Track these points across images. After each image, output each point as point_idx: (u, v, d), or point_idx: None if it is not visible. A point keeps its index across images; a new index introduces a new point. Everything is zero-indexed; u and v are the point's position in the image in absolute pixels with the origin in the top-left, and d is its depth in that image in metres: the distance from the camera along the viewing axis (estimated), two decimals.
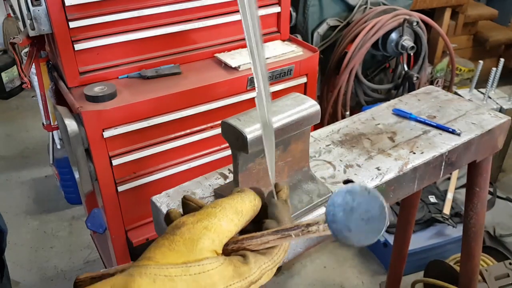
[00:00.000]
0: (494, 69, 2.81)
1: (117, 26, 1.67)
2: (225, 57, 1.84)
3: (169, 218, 0.64)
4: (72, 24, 1.59)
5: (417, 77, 2.71)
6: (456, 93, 2.93)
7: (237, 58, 1.82)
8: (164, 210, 1.02)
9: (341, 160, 1.17)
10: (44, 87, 1.92)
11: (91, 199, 2.14)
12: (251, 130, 0.88)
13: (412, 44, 2.54)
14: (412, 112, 1.35)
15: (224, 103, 1.77)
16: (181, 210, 0.68)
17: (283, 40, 2.00)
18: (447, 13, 3.59)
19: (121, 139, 1.64)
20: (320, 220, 0.56)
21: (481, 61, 2.89)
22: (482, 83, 3.05)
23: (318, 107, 0.96)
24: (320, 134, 1.28)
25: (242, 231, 0.61)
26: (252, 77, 1.77)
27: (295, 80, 1.90)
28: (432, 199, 2.57)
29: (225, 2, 1.82)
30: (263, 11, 1.91)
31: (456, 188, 2.60)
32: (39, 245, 2.79)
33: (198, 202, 0.66)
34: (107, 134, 1.59)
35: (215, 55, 1.86)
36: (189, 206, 0.66)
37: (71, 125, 1.54)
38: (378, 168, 1.14)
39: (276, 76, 1.84)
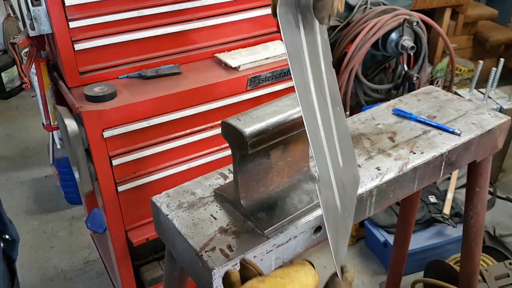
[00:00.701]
0: (494, 69, 2.80)
1: (117, 26, 1.67)
2: (225, 57, 1.84)
3: (229, 278, 0.67)
4: (72, 24, 1.59)
5: (417, 77, 2.71)
6: (456, 93, 2.93)
7: (237, 58, 1.82)
8: (164, 210, 1.03)
9: None
10: (44, 87, 1.92)
11: (91, 199, 2.14)
12: (251, 130, 0.88)
13: (412, 44, 2.54)
14: (412, 112, 1.35)
15: (224, 103, 1.77)
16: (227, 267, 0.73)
17: None
18: (447, 13, 3.59)
19: (121, 139, 1.64)
20: None
21: (481, 61, 2.89)
22: (482, 83, 3.05)
23: None
24: None
25: None
26: (253, 77, 1.78)
27: None
28: (432, 199, 2.57)
29: (225, 2, 1.82)
30: (263, 11, 1.91)
31: (456, 188, 2.60)
32: (39, 245, 2.79)
33: (257, 267, 0.69)
34: (107, 134, 1.59)
35: (215, 55, 1.86)
36: (248, 270, 0.68)
37: (71, 125, 1.54)
38: (378, 168, 1.14)
39: (276, 76, 1.84)
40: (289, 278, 0.64)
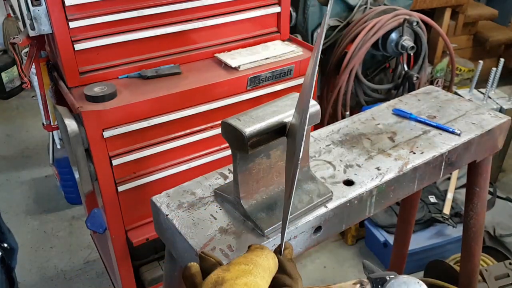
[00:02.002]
0: (494, 69, 2.80)
1: (117, 26, 1.67)
2: (225, 57, 1.84)
3: (189, 271, 0.68)
4: (72, 24, 1.59)
5: (417, 77, 2.71)
6: (456, 93, 2.93)
7: (237, 58, 1.82)
8: (164, 210, 1.03)
9: (341, 160, 1.17)
10: (44, 87, 1.92)
11: (91, 199, 2.14)
12: (251, 130, 0.88)
13: (412, 44, 2.54)
14: (412, 112, 1.35)
15: (224, 103, 1.77)
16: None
17: (283, 40, 2.00)
18: (447, 13, 3.59)
19: (121, 139, 1.64)
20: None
21: (481, 61, 2.88)
22: (482, 83, 3.05)
23: (318, 107, 0.96)
24: (320, 134, 1.28)
25: None
26: (253, 77, 1.78)
27: (295, 80, 1.90)
28: (432, 199, 2.57)
29: (225, 2, 1.82)
30: (263, 11, 1.91)
31: (456, 188, 2.60)
32: (39, 245, 2.79)
33: (216, 258, 0.70)
34: (107, 134, 1.59)
35: (215, 55, 1.86)
36: (207, 261, 0.69)
37: (71, 125, 1.54)
38: (378, 168, 1.14)
39: (276, 76, 1.84)
40: (252, 263, 0.65)
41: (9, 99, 4.48)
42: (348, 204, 1.05)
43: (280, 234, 0.94)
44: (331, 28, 2.80)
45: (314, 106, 0.95)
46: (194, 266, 0.68)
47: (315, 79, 0.72)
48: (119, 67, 1.74)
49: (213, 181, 1.11)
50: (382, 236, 2.49)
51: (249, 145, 0.88)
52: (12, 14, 4.50)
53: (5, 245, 1.14)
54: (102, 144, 1.60)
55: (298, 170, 0.74)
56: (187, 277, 0.67)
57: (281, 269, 0.71)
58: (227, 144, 0.94)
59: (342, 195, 1.05)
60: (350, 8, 2.81)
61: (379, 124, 1.32)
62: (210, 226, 0.98)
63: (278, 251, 0.75)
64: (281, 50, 1.88)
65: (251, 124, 0.89)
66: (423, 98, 1.45)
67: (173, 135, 1.75)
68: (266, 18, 1.94)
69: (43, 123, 2.14)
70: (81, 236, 2.83)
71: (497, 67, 2.81)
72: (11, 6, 4.46)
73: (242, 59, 1.81)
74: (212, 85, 1.72)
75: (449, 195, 2.55)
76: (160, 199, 1.06)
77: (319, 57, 0.74)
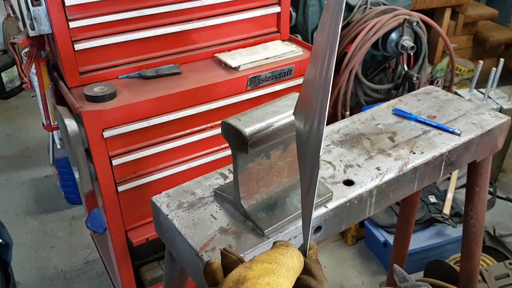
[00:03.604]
0: (494, 69, 2.81)
1: (117, 26, 1.67)
2: (225, 57, 1.84)
3: (210, 267, 0.66)
4: (72, 24, 1.59)
5: (417, 77, 2.71)
6: (456, 93, 2.93)
7: (237, 58, 1.82)
8: (164, 210, 1.03)
9: (341, 160, 1.17)
10: (44, 87, 1.92)
11: (91, 199, 2.14)
12: (251, 130, 0.88)
13: (412, 44, 2.54)
14: (412, 112, 1.35)
15: (224, 103, 1.77)
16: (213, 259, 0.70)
17: (283, 40, 2.00)
18: (447, 13, 3.59)
19: (121, 139, 1.64)
20: None
21: (481, 61, 2.89)
22: (482, 83, 3.05)
23: None
24: None
25: None
26: (253, 77, 1.77)
27: (295, 80, 1.90)
28: (432, 199, 2.57)
29: (225, 2, 1.82)
30: (263, 11, 1.91)
31: (456, 188, 2.60)
32: (39, 245, 2.79)
33: (237, 254, 0.68)
34: (107, 134, 1.59)
35: (215, 55, 1.86)
36: (229, 258, 0.67)
37: (71, 125, 1.54)
38: (378, 168, 1.14)
39: (276, 76, 1.84)
40: (276, 262, 0.62)
41: (9, 99, 4.48)
42: (348, 204, 1.05)
43: (276, 231, 0.93)
44: None
45: None
46: (216, 262, 0.67)
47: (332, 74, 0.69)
48: (119, 67, 1.74)
49: (213, 181, 1.11)
50: (382, 236, 2.49)
51: (249, 145, 0.88)
52: (12, 14, 4.50)
53: (0, 240, 1.14)
54: (102, 144, 1.60)
55: (319, 167, 0.72)
56: (207, 273, 0.66)
57: (306, 269, 0.68)
58: (227, 144, 0.94)
59: (342, 195, 1.05)
60: (350, 8, 2.81)
61: (379, 124, 1.32)
62: (210, 226, 0.98)
63: (302, 251, 0.71)
64: (281, 50, 1.88)
65: (251, 124, 0.89)
66: (423, 98, 1.45)
67: (173, 135, 1.75)
68: (266, 18, 1.94)
69: (43, 123, 2.14)
70: (81, 236, 2.83)
71: (497, 67, 2.81)
72: (11, 6, 4.46)
73: (242, 59, 1.81)
74: (212, 85, 1.72)
75: (449, 195, 2.55)
76: (160, 199, 1.06)
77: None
